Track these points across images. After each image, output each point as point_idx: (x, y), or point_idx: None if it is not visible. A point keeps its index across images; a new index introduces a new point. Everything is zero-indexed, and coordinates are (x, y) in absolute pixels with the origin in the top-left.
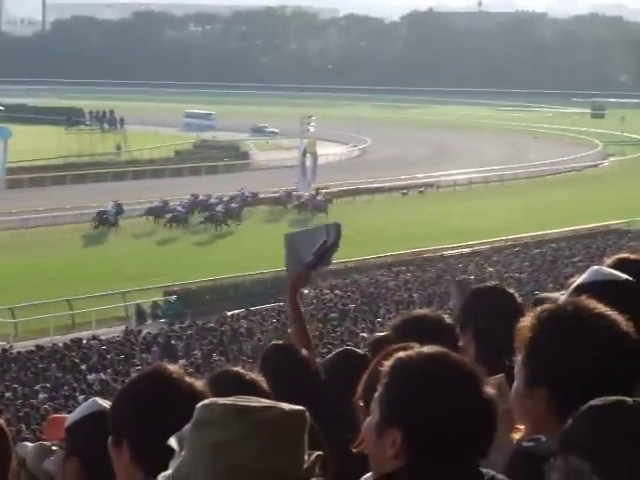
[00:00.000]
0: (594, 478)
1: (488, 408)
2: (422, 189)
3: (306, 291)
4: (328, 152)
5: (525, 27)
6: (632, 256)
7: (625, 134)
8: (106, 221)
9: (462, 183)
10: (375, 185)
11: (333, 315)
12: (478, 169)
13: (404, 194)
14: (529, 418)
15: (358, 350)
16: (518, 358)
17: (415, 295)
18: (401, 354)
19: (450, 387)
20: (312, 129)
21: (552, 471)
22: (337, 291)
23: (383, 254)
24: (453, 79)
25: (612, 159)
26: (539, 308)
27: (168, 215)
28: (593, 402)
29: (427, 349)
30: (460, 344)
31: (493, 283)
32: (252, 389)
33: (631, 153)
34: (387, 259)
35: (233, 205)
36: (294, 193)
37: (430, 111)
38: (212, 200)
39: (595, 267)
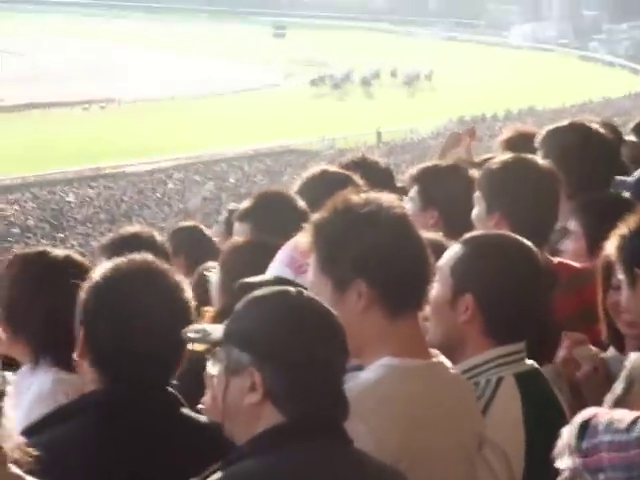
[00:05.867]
0: (251, 369)
1: None
2: (104, 105)
3: None
4: None
5: None
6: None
7: None
8: None
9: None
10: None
11: (14, 231)
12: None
13: (85, 109)
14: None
15: None
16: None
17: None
18: None
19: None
20: None
21: (213, 361)
22: (16, 206)
23: (63, 170)
24: None
25: None
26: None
27: None
28: (256, 292)
29: None
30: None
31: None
32: None
33: None
34: (67, 175)
35: None
36: None
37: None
38: None
39: None
